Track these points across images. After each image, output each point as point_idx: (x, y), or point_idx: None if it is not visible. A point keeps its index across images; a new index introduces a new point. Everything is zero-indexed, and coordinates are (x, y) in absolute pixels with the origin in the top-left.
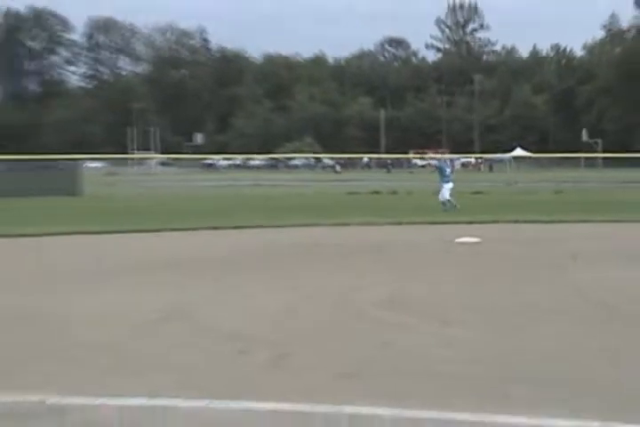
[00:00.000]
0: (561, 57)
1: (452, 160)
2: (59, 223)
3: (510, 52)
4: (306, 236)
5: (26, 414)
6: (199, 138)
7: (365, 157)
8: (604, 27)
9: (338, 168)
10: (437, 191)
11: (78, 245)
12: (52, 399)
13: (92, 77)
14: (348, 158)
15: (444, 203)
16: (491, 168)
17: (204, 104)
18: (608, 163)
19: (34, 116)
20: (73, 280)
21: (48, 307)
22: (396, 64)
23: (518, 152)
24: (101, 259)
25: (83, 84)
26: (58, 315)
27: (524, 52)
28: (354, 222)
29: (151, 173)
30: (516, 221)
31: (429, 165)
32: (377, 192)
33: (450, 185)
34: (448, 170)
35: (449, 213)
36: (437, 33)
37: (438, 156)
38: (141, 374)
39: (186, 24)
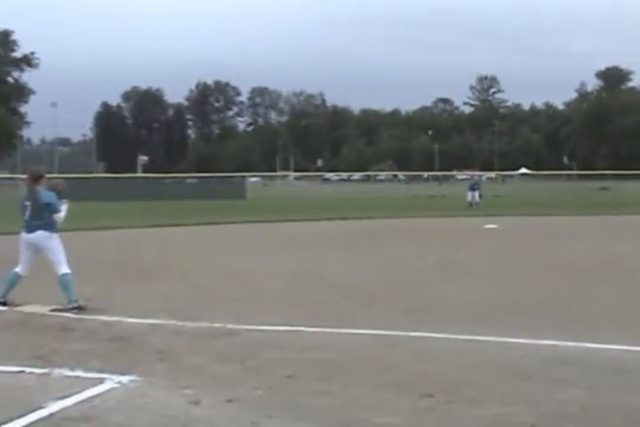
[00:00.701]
0: (549, 109)
1: (479, 176)
2: (235, 215)
3: (517, 106)
4: (386, 224)
5: (211, 335)
6: (320, 162)
7: (425, 174)
8: (577, 90)
9: (407, 181)
10: (471, 196)
11: (246, 230)
12: (230, 325)
13: (252, 124)
14: (414, 175)
15: (471, 203)
16: (503, 181)
17: (322, 140)
18: (580, 177)
19: (217, 149)
20: (248, 251)
21: (232, 267)
22: (444, 114)
23: (523, 170)
24: (260, 239)
25: (246, 128)
26: (238, 272)
27: (525, 106)
28: (417, 215)
29: (289, 184)
30: (522, 215)
31: (471, 178)
32: (432, 196)
33: (477, 192)
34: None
35: (476, 210)
36: (470, 94)
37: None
38: (284, 308)
39: (311, 89)
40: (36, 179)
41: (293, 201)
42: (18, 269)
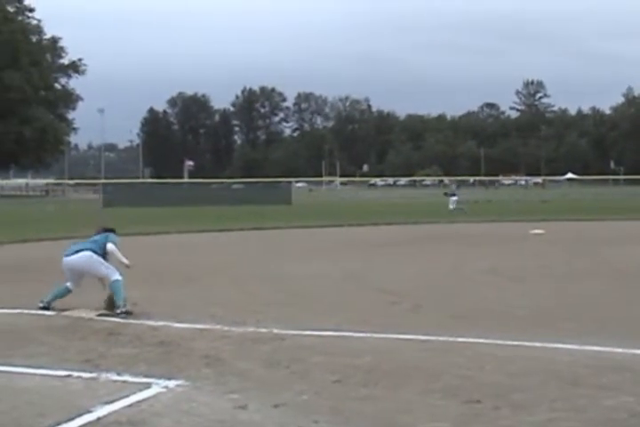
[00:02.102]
0: (596, 114)
1: (453, 183)
2: (280, 220)
3: (564, 111)
4: (432, 229)
5: (257, 340)
6: (365, 167)
7: (471, 179)
8: (624, 95)
9: (454, 186)
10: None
11: (292, 235)
12: (276, 330)
13: (297, 130)
14: (460, 180)
15: (452, 211)
16: (543, 186)
17: (368, 145)
18: (628, 182)
19: (262, 155)
20: (293, 256)
21: (278, 271)
22: (490, 119)
23: (569, 175)
24: (305, 244)
25: (292, 134)
26: (283, 276)
27: (572, 110)
28: (463, 221)
29: (335, 190)
30: (568, 220)
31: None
32: (477, 201)
33: (455, 198)
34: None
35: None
36: (516, 99)
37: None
38: (331, 313)
39: (357, 95)
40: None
41: (339, 206)
42: (68, 284)
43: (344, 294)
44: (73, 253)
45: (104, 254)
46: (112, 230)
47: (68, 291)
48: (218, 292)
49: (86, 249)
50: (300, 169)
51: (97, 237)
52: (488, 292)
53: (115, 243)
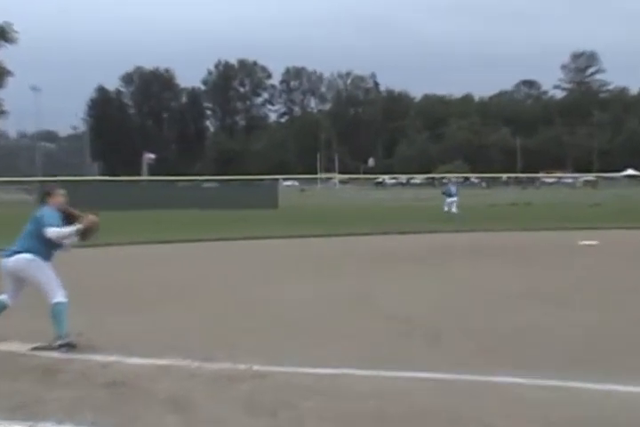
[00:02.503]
0: None
1: (452, 181)
2: (264, 229)
3: (622, 90)
4: (456, 240)
5: (234, 378)
6: (371, 161)
7: (504, 176)
8: None
9: (484, 185)
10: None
11: (278, 247)
12: (257, 366)
13: (286, 114)
14: (491, 177)
15: (448, 213)
16: (594, 185)
17: (374, 134)
18: None
19: (241, 145)
20: (280, 273)
21: (260, 293)
22: (528, 101)
23: (629, 172)
24: (295, 258)
25: (279, 119)
26: (267, 299)
27: (633, 90)
28: (496, 229)
29: (333, 190)
30: (627, 228)
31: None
32: (514, 204)
33: (453, 199)
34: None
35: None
36: (562, 75)
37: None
38: (327, 345)
39: (360, 70)
40: (44, 197)
41: (337, 211)
42: (4, 297)
43: (342, 322)
44: (12, 254)
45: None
46: (46, 196)
47: (4, 307)
48: (184, 318)
49: (23, 250)
50: (289, 164)
51: (36, 216)
52: (523, 319)
53: (52, 221)
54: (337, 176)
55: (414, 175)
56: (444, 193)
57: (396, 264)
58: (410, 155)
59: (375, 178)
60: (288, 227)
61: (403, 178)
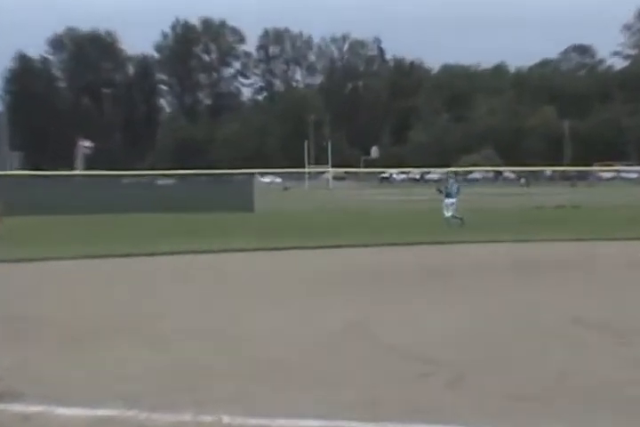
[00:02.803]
0: None
1: (450, 175)
2: (235, 239)
3: None
4: (485, 253)
5: None
6: (374, 151)
7: (548, 170)
8: None
9: (523, 181)
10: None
11: (253, 262)
12: (226, 418)
13: (264, 89)
14: (530, 171)
15: (448, 219)
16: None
17: (379, 116)
18: None
19: (206, 131)
20: (253, 297)
21: (227, 323)
22: (580, 72)
23: None
24: (274, 276)
25: (255, 96)
26: (236, 331)
27: None
28: (536, 239)
29: (326, 188)
30: None
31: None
32: (560, 206)
33: (452, 200)
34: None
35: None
36: (622, 39)
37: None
38: (313, 390)
39: (361, 34)
40: None
41: (330, 215)
42: None
43: (339, 359)
44: None
45: None
46: None
47: None
48: (130, 356)
49: None
50: (268, 154)
51: None
52: (572, 356)
53: None
54: (330, 170)
55: (430, 169)
56: (440, 191)
57: (399, 284)
58: (425, 142)
59: (380, 172)
60: (266, 236)
61: (415, 172)
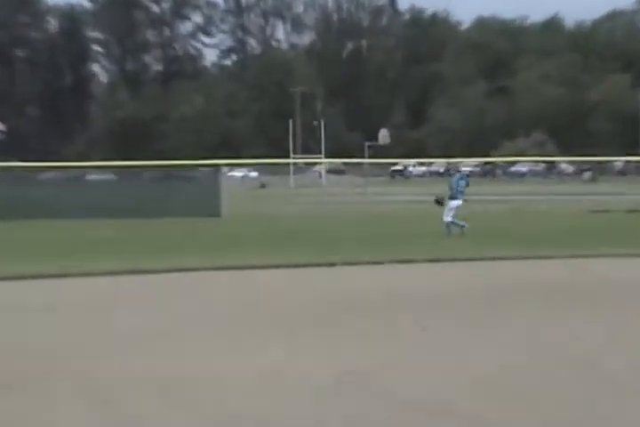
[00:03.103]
0: None
1: (456, 168)
2: (193, 254)
3: None
4: (523, 272)
5: None
6: (383, 136)
7: (619, 160)
8: None
9: (586, 176)
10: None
11: (218, 284)
12: None
13: (234, 52)
14: (597, 162)
15: (448, 226)
16: None
17: (389, 87)
18: None
19: (156, 107)
20: (218, 332)
21: (182, 367)
22: None
23: None
24: (246, 305)
25: (222, 61)
26: (197, 377)
27: None
28: (595, 254)
29: (317, 185)
30: None
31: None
32: (632, 211)
33: (456, 202)
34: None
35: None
36: None
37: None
38: None
39: None
40: None
41: (323, 221)
42: None
43: (327, 415)
44: None
45: None
46: None
47: None
48: (59, 410)
49: None
50: (239, 140)
51: None
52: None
53: None
54: (323, 161)
55: (459, 159)
56: (440, 203)
57: (409, 314)
58: (451, 123)
59: (391, 164)
60: (235, 250)
61: (440, 164)
